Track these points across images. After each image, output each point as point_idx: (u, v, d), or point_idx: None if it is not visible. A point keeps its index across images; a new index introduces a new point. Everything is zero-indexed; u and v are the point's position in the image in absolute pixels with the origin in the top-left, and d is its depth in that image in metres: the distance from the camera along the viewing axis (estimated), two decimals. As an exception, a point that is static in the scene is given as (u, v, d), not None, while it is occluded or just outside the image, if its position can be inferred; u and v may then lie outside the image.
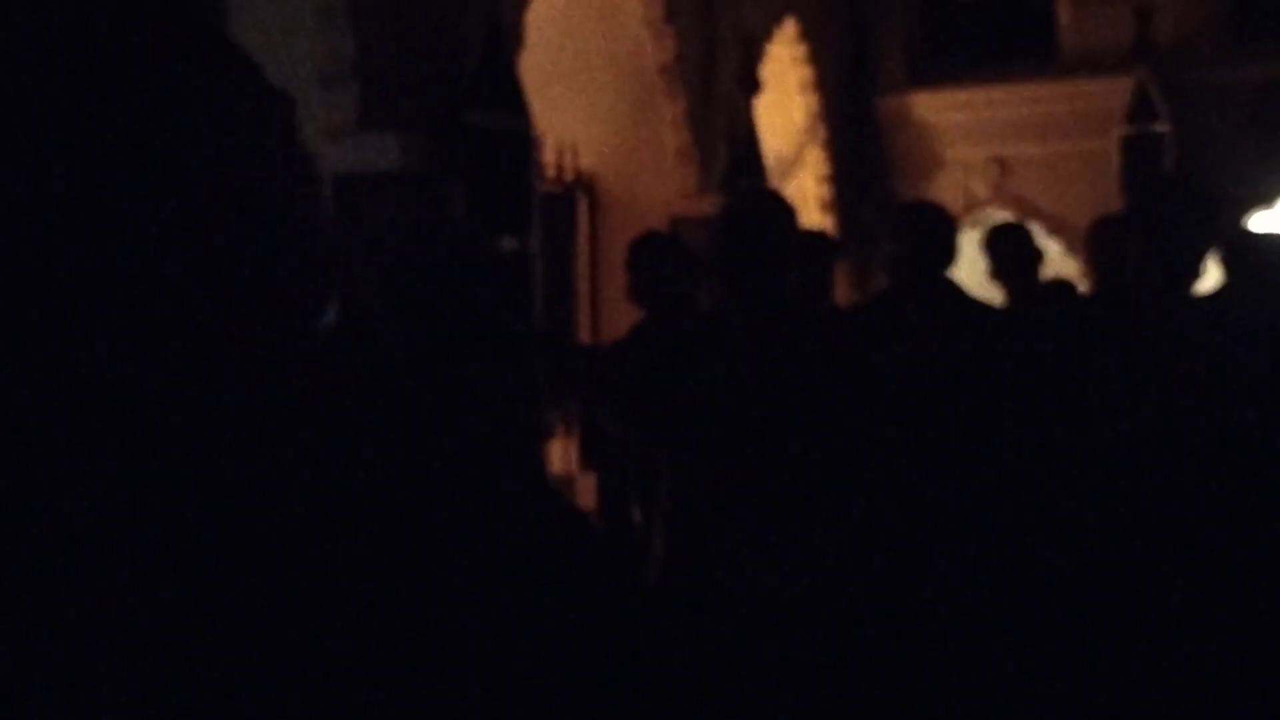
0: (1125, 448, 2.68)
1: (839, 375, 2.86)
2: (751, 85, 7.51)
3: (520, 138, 4.93)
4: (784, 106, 8.81)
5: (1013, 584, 2.73)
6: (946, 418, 2.97)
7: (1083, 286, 4.83)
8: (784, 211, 3.00)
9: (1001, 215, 9.16)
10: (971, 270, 5.32)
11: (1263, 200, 8.73)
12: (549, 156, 6.61)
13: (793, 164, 9.00)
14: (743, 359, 2.81)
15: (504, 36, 5.06)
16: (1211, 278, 4.07)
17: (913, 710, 2.67)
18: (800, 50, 8.87)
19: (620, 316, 5.59)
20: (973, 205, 9.67)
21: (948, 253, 3.45)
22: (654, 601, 2.51)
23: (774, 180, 7.69)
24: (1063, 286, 4.70)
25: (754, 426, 2.74)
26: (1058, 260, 8.27)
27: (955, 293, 3.44)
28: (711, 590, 2.69)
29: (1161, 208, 2.95)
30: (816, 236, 4.66)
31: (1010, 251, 4.53)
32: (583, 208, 7.38)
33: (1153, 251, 2.87)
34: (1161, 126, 8.60)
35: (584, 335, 7.21)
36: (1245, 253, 4.00)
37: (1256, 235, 4.33)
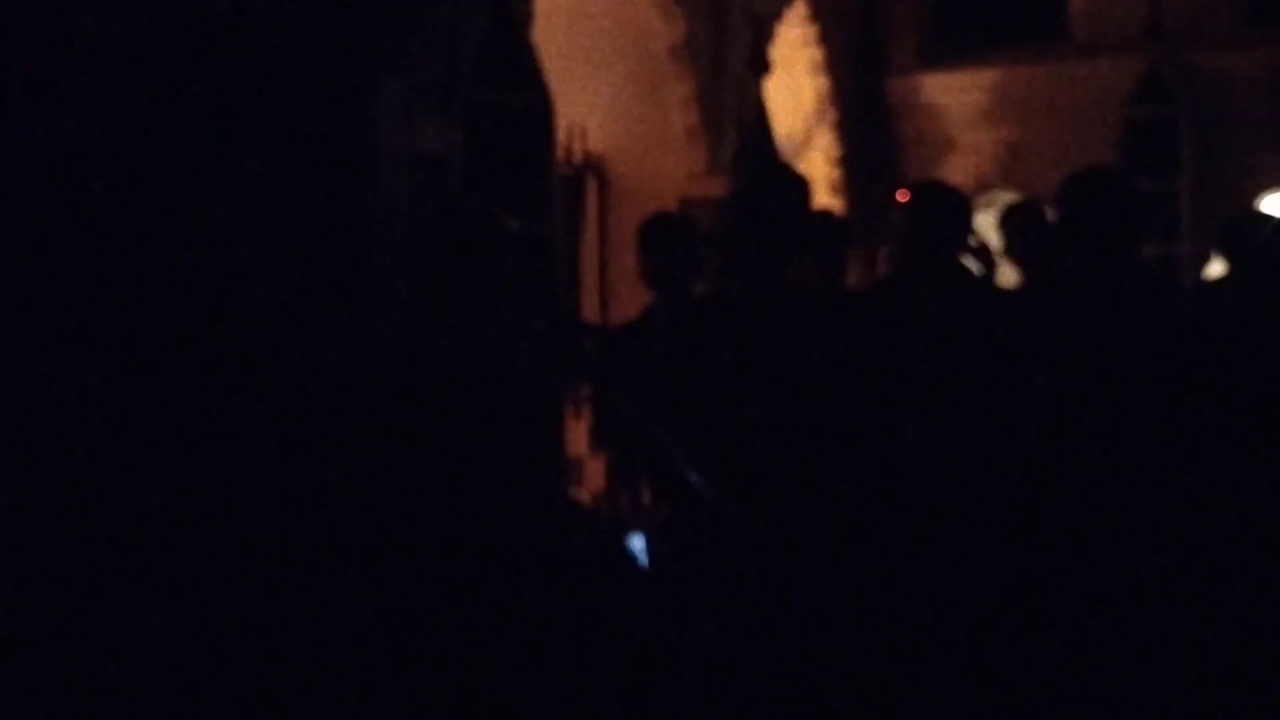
0: (1124, 431, 2.68)
1: (845, 356, 2.85)
2: (761, 66, 7.48)
3: (536, 116, 4.90)
4: (794, 88, 8.78)
5: (1016, 566, 2.73)
6: (950, 399, 2.97)
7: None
8: (794, 190, 2.98)
9: (1011, 197, 9.13)
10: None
11: (1274, 183, 8.69)
12: (558, 137, 6.59)
13: (802, 146, 8.98)
14: (748, 340, 2.81)
15: (515, 14, 5.05)
16: (1221, 262, 4.07)
17: (915, 687, 2.68)
18: (810, 31, 8.83)
19: (630, 298, 5.58)
20: (983, 187, 9.64)
21: (960, 234, 3.42)
22: (654, 598, 2.52)
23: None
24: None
25: (758, 407, 2.74)
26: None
27: (964, 275, 3.42)
28: (718, 569, 2.70)
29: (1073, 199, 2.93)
30: (829, 220, 4.64)
31: (1024, 231, 4.49)
32: (592, 189, 7.36)
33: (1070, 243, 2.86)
34: (1173, 109, 8.56)
35: (593, 317, 7.21)
36: (1252, 237, 3.99)
37: (1264, 219, 4.32)
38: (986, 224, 5.16)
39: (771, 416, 2.77)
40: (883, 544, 2.75)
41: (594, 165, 7.32)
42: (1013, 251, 4.48)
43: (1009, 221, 4.55)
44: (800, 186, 3.03)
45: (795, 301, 2.94)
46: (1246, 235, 3.96)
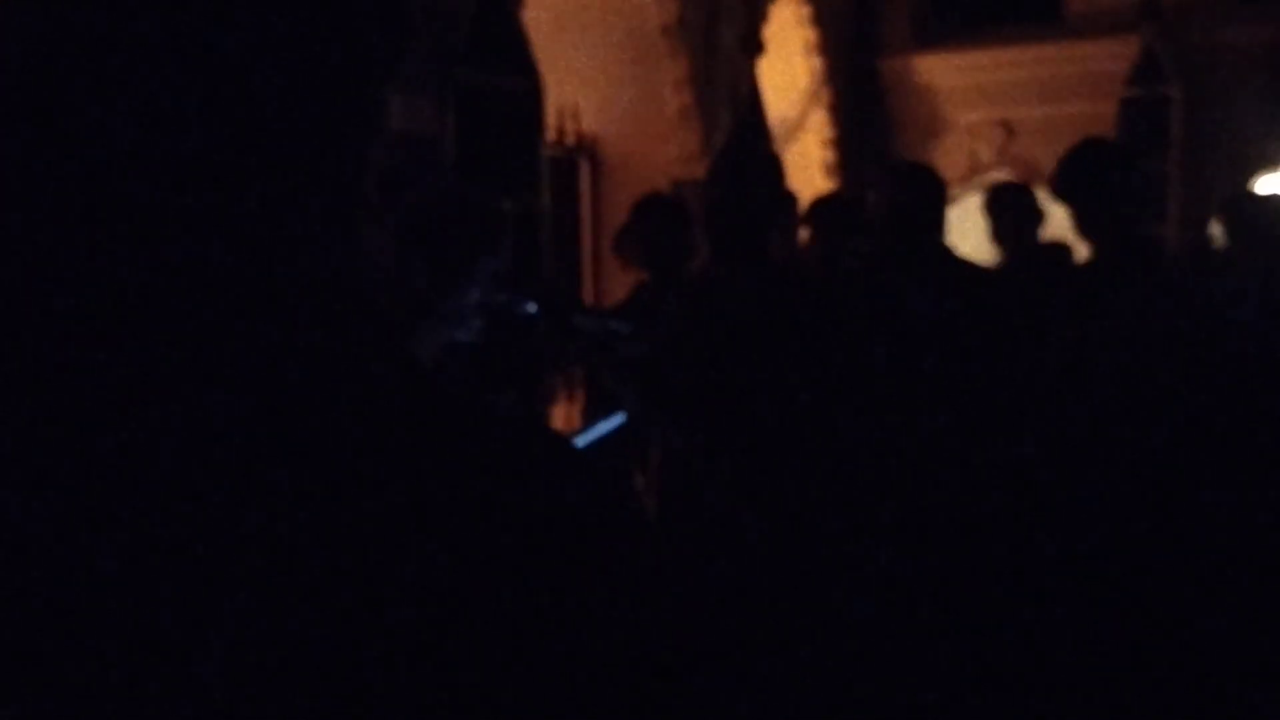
0: (1117, 414, 2.68)
1: (826, 337, 2.85)
2: (754, 47, 7.46)
3: (525, 97, 4.90)
4: (787, 69, 8.75)
5: (1000, 552, 2.73)
6: (930, 379, 2.97)
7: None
8: (769, 172, 2.99)
9: (1007, 178, 9.12)
10: (977, 234, 5.28)
11: (1270, 163, 8.68)
12: (550, 119, 6.57)
13: (796, 127, 8.95)
14: (731, 322, 2.81)
15: (504, -3, 5.02)
16: (1217, 241, 4.06)
17: (906, 671, 2.68)
18: (804, 12, 8.80)
19: (623, 279, 5.57)
20: (978, 168, 9.63)
21: (937, 216, 3.41)
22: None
23: (778, 143, 7.65)
24: (1058, 250, 4.66)
25: (743, 388, 2.74)
26: (1064, 223, 8.23)
27: (945, 255, 3.41)
28: (704, 552, 2.70)
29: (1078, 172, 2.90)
30: (835, 201, 4.64)
31: (1007, 212, 4.49)
32: (584, 170, 7.35)
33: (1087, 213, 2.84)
34: (1169, 89, 8.55)
35: (587, 298, 7.20)
36: (1248, 215, 3.98)
37: (1261, 198, 4.32)
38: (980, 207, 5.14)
39: (758, 398, 2.76)
40: (879, 531, 2.75)
41: (586, 147, 7.30)
42: (999, 233, 4.48)
43: (993, 203, 4.55)
44: (771, 165, 3.03)
45: (777, 282, 2.93)
46: (1252, 213, 3.95)
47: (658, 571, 0.71)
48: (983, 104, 9.75)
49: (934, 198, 3.42)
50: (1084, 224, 2.87)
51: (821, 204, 4.39)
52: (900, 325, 3.02)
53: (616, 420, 2.81)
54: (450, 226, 2.19)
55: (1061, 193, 2.92)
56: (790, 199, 4.35)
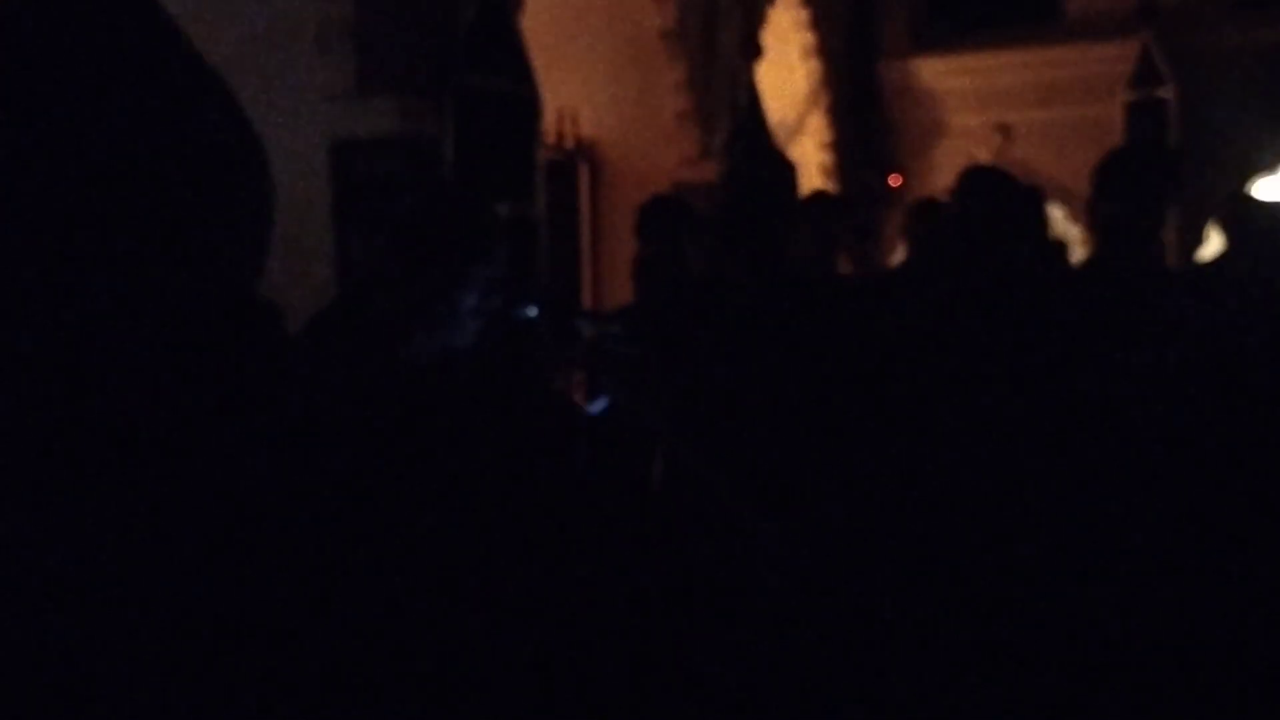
0: (1127, 415, 2.67)
1: (849, 343, 2.84)
2: (753, 51, 7.46)
3: (523, 102, 4.90)
4: (786, 72, 8.76)
5: (1015, 557, 2.73)
6: (951, 386, 2.96)
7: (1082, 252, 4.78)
8: (786, 176, 2.98)
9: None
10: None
11: (1267, 166, 8.69)
12: (549, 123, 6.58)
13: (795, 130, 8.96)
14: (745, 325, 2.80)
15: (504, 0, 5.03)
16: (1214, 244, 4.07)
17: (916, 679, 2.68)
18: (803, 15, 8.81)
19: (624, 282, 5.57)
20: (976, 171, 9.63)
21: (1012, 228, 3.39)
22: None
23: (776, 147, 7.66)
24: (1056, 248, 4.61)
25: (755, 393, 2.73)
26: (1061, 227, 8.25)
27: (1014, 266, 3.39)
28: (711, 556, 2.69)
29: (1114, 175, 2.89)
30: (820, 196, 4.63)
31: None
32: (584, 174, 7.35)
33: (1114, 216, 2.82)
34: (1167, 92, 8.56)
35: (587, 302, 7.21)
36: (1246, 219, 3.99)
37: (1258, 201, 4.32)
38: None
39: (779, 403, 2.76)
40: (896, 541, 2.74)
41: (586, 151, 7.30)
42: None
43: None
44: (790, 171, 3.03)
45: (802, 287, 2.93)
46: (1250, 215, 3.95)
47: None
48: (980, 107, 9.76)
49: (1011, 209, 3.40)
50: (1102, 222, 2.86)
51: (812, 202, 4.37)
52: (918, 332, 3.02)
53: (599, 405, 2.80)
54: (445, 231, 2.19)
55: (1099, 190, 2.91)
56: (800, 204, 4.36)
